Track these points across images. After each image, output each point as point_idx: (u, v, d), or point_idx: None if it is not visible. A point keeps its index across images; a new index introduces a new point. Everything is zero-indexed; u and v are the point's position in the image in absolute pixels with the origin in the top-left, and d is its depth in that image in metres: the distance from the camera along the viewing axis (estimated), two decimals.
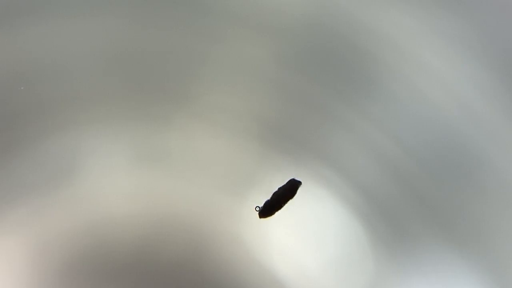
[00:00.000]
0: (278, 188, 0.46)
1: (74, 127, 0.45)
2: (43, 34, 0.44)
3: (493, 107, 0.42)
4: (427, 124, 0.44)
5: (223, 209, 0.47)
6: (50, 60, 0.44)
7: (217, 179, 0.47)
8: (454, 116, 0.43)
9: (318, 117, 0.46)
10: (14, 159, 0.45)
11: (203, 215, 0.47)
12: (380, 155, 0.45)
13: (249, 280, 0.46)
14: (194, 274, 0.46)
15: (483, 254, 0.43)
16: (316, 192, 0.46)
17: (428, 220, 0.44)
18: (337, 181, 0.46)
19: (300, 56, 0.45)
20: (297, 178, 0.46)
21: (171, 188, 0.47)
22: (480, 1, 0.42)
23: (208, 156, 0.47)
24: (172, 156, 0.47)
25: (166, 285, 0.46)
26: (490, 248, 0.43)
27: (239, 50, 0.45)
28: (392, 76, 0.44)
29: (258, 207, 0.46)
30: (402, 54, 0.43)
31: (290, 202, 0.47)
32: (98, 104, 0.45)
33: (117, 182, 0.46)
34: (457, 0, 0.42)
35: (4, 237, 0.45)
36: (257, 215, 0.46)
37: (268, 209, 0.46)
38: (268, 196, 0.46)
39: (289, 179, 0.46)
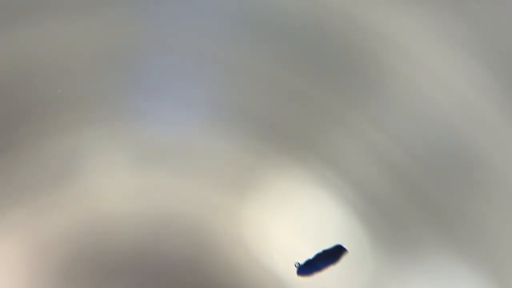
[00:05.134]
0: (323, 251, 0.45)
1: (74, 127, 0.45)
2: (44, 35, 0.44)
3: (493, 108, 0.42)
4: (428, 124, 0.44)
5: (223, 209, 0.47)
6: (50, 60, 0.44)
7: (217, 179, 0.47)
8: (455, 116, 0.43)
9: (319, 118, 0.46)
10: (14, 159, 0.45)
11: (203, 215, 0.47)
12: (380, 155, 0.45)
13: (249, 279, 0.46)
14: (194, 274, 0.46)
15: (483, 254, 0.43)
16: (316, 192, 0.46)
17: (428, 220, 0.44)
18: (337, 181, 0.46)
19: (301, 56, 0.45)
20: (344, 246, 0.45)
21: (171, 188, 0.47)
22: (482, 3, 0.42)
23: (208, 156, 0.47)
24: (172, 156, 0.47)
25: (166, 285, 0.46)
26: (489, 248, 0.43)
27: (239, 50, 0.45)
28: (393, 76, 0.44)
29: (298, 263, 0.45)
30: (403, 55, 0.43)
31: (290, 203, 0.46)
32: (99, 104, 0.45)
33: (117, 182, 0.46)
34: (459, 2, 0.42)
35: (4, 237, 0.45)
36: (295, 272, 0.46)
37: (307, 269, 0.45)
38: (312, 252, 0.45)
39: (335, 245, 0.45)
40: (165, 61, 0.45)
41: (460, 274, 0.44)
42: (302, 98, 0.45)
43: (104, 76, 0.45)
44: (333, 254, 0.45)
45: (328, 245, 0.46)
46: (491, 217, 0.43)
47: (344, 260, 0.46)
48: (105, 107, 0.45)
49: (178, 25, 0.45)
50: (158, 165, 0.46)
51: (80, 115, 0.45)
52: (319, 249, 0.46)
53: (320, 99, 0.45)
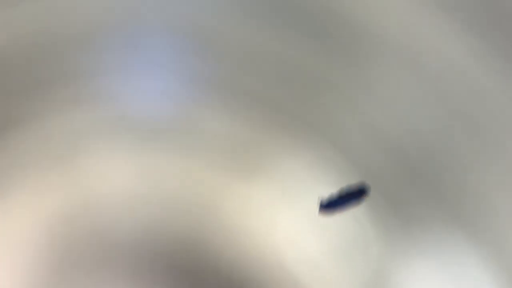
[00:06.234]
0: (346, 191, 0.44)
1: (74, 106, 0.45)
2: (47, 8, 0.44)
3: (495, 80, 0.41)
4: (430, 102, 0.43)
5: (227, 191, 0.46)
6: (53, 35, 0.44)
7: (222, 161, 0.46)
8: (458, 92, 0.42)
9: (326, 98, 0.45)
10: (17, 136, 0.45)
11: (206, 197, 0.46)
12: (383, 138, 0.44)
13: (253, 264, 0.46)
14: (197, 257, 0.46)
15: (489, 237, 0.43)
16: (322, 177, 0.46)
17: (432, 202, 0.44)
18: (342, 164, 0.45)
19: (306, 34, 0.44)
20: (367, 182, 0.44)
21: (173, 170, 0.46)
22: None
23: (212, 137, 0.46)
24: (175, 137, 0.46)
25: (169, 266, 0.46)
26: (497, 231, 0.43)
27: (242, 28, 0.45)
28: (396, 53, 0.43)
29: (321, 201, 0.44)
30: (405, 30, 0.43)
31: (296, 186, 0.46)
32: (100, 81, 0.45)
33: (118, 163, 0.46)
34: None
35: (4, 217, 0.45)
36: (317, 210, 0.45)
37: (329, 207, 0.44)
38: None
39: (359, 185, 0.44)
40: (167, 38, 0.45)
41: (466, 257, 0.43)
42: (307, 77, 0.45)
43: (105, 52, 0.45)
44: (356, 194, 0.44)
45: (332, 230, 0.46)
46: (497, 197, 0.42)
47: (348, 245, 0.45)
48: (106, 84, 0.45)
49: (178, 1, 0.44)
50: (160, 146, 0.46)
51: (79, 93, 0.45)
52: (324, 235, 0.46)
53: (326, 79, 0.45)
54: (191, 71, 0.45)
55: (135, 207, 0.46)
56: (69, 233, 0.45)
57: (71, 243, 0.45)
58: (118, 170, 0.46)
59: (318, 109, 0.45)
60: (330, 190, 0.45)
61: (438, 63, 0.42)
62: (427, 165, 0.44)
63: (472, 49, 0.41)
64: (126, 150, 0.46)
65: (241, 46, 0.45)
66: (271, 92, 0.45)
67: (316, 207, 0.45)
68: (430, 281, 0.44)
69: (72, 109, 0.45)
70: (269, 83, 0.45)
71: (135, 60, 0.45)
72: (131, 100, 0.46)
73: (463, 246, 0.43)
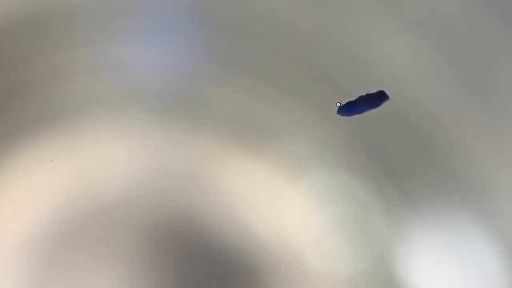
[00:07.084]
0: (366, 94, 0.42)
1: (75, 74, 0.45)
2: None
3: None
4: (433, 69, 0.43)
5: (233, 166, 0.46)
6: (59, 2, 0.44)
7: (228, 135, 0.46)
8: (462, 56, 0.42)
9: (332, 71, 0.45)
10: (22, 104, 0.45)
11: (212, 171, 0.46)
12: (390, 112, 0.44)
13: (254, 238, 0.45)
14: (199, 231, 0.45)
15: (496, 215, 0.42)
16: (328, 152, 0.45)
17: (438, 181, 0.43)
18: (349, 140, 0.45)
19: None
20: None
21: (180, 142, 0.46)
22: None
23: (219, 110, 0.46)
24: (182, 109, 0.46)
25: (170, 240, 0.45)
26: (503, 207, 0.42)
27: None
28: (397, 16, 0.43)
29: (340, 103, 0.43)
30: None
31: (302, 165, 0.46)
32: (103, 49, 0.45)
33: (126, 133, 0.46)
34: None
35: (2, 184, 0.45)
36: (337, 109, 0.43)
37: (348, 110, 0.43)
38: None
39: (379, 90, 0.43)
40: (171, 8, 0.45)
41: (472, 235, 0.43)
42: (313, 47, 0.45)
43: (109, 21, 0.45)
44: (375, 98, 0.43)
45: (337, 206, 0.45)
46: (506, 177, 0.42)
47: (352, 223, 0.45)
48: (109, 54, 0.45)
49: None
50: (164, 117, 0.46)
51: (83, 62, 0.45)
52: (329, 215, 0.45)
53: (331, 48, 0.45)
54: (195, 42, 0.45)
55: (137, 179, 0.45)
56: (70, 205, 0.45)
57: (71, 215, 0.45)
58: (121, 141, 0.46)
59: (325, 81, 0.45)
60: (335, 166, 0.45)
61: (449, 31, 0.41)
62: (433, 140, 0.43)
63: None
64: (130, 120, 0.46)
65: (246, 17, 0.45)
66: (277, 64, 0.45)
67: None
68: (435, 260, 0.43)
69: (76, 78, 0.45)
70: (275, 55, 0.45)
71: (139, 30, 0.45)
72: (135, 70, 0.45)
73: (469, 225, 0.43)
